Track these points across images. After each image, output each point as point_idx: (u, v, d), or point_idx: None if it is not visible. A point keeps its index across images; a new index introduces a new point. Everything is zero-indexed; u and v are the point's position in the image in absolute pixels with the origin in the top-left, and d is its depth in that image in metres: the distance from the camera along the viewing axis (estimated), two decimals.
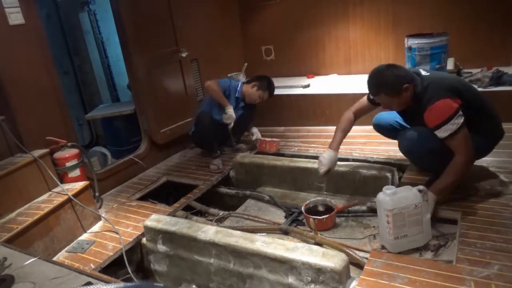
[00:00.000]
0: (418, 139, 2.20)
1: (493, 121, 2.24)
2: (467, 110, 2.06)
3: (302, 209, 2.41)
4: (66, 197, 2.41)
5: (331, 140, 2.49)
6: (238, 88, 3.37)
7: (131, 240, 2.35)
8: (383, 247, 2.01)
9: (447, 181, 2.05)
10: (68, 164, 2.63)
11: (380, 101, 2.26)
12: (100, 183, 2.93)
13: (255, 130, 3.54)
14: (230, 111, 3.22)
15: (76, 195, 2.46)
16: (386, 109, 2.49)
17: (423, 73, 2.19)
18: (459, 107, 2.01)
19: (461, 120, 2.00)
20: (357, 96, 3.50)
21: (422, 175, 2.54)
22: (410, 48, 3.26)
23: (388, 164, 2.75)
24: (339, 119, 2.53)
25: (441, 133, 2.03)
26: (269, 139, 3.43)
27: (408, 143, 2.26)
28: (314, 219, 2.26)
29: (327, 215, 2.33)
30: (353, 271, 1.82)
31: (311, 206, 2.49)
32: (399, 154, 2.92)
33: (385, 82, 2.12)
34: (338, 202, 2.67)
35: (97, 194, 2.85)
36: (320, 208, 2.50)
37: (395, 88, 2.09)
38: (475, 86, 2.45)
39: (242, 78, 4.23)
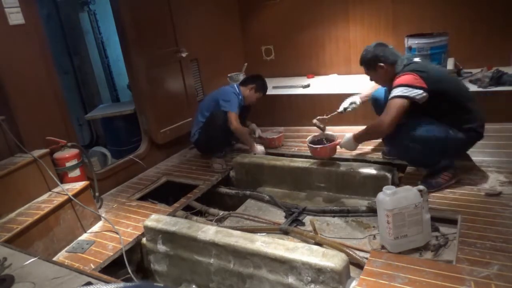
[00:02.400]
0: (397, 136, 2.26)
1: (470, 117, 2.26)
2: (444, 100, 2.21)
3: (307, 139, 2.84)
4: (66, 197, 2.41)
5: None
6: (241, 96, 3.35)
7: (131, 240, 2.35)
8: (383, 247, 2.02)
9: (362, 131, 2.41)
10: (68, 164, 2.63)
11: (366, 73, 2.51)
12: (100, 183, 2.93)
13: (254, 126, 3.57)
14: (259, 149, 3.31)
15: (76, 195, 2.46)
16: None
17: (415, 59, 2.34)
18: (417, 86, 2.15)
19: (407, 93, 2.14)
20: None
21: (422, 175, 2.54)
22: (410, 48, 3.25)
23: (388, 164, 2.75)
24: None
25: (390, 95, 2.21)
26: (276, 136, 3.49)
27: (390, 145, 2.43)
28: (309, 147, 2.76)
29: (321, 146, 2.75)
30: (353, 271, 1.82)
31: (315, 140, 2.87)
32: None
33: (364, 58, 2.41)
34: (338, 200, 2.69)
35: (97, 194, 2.85)
36: (325, 141, 2.85)
37: (370, 63, 2.38)
38: (466, 86, 2.51)
39: (242, 78, 4.23)
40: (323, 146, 2.73)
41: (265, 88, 3.48)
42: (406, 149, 2.31)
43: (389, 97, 2.21)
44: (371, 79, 2.54)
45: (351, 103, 2.84)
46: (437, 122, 2.24)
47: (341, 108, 2.87)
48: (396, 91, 2.18)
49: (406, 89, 2.15)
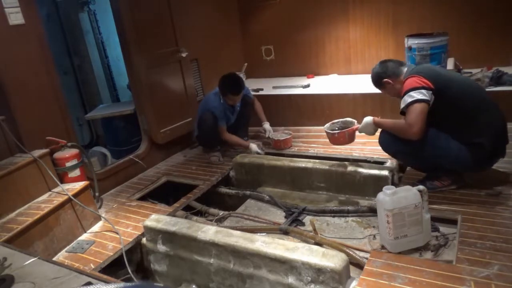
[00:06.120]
0: (389, 139, 2.34)
1: (475, 127, 2.14)
2: (449, 104, 2.13)
3: (325, 127, 2.68)
4: (66, 197, 2.41)
5: None
6: (222, 101, 3.31)
7: (131, 240, 2.35)
8: (383, 247, 2.02)
9: (387, 123, 2.34)
10: (68, 164, 2.63)
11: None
12: (100, 183, 2.93)
13: (267, 126, 3.58)
14: (252, 147, 3.32)
15: (76, 195, 2.46)
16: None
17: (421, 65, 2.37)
18: (424, 86, 2.09)
19: (419, 95, 2.08)
20: (356, 96, 3.52)
21: (422, 176, 2.54)
22: (410, 48, 3.25)
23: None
24: None
25: (401, 105, 2.17)
26: (283, 138, 3.48)
27: (381, 140, 2.43)
28: (327, 133, 2.59)
29: (339, 131, 2.60)
30: (353, 271, 1.82)
31: (334, 128, 2.71)
32: None
33: (372, 80, 2.47)
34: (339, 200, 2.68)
35: (97, 194, 2.85)
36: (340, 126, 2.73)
37: (377, 82, 2.43)
38: (482, 93, 2.29)
39: (242, 78, 4.23)
40: (341, 132, 2.59)
41: (225, 88, 3.23)
42: (395, 154, 2.43)
43: (401, 106, 2.15)
44: (387, 95, 2.52)
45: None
46: (443, 135, 2.18)
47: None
48: (407, 99, 2.11)
49: (415, 93, 2.09)
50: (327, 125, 2.74)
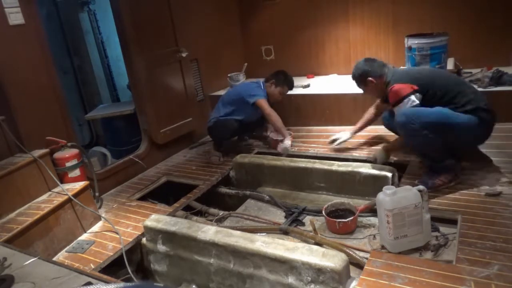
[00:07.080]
0: (414, 113, 2.27)
1: (468, 99, 2.29)
2: (436, 93, 2.31)
3: (323, 213, 2.36)
4: (66, 197, 2.41)
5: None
6: (264, 94, 3.36)
7: (131, 240, 2.35)
8: (383, 247, 2.02)
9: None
10: (68, 164, 2.63)
11: (359, 88, 2.66)
12: (100, 183, 2.93)
13: (269, 125, 3.59)
14: (288, 142, 3.29)
15: (76, 195, 2.46)
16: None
17: (399, 68, 2.58)
18: (412, 91, 2.29)
19: (410, 102, 2.28)
20: (357, 96, 3.52)
21: (421, 175, 2.54)
22: (410, 48, 3.25)
23: (388, 164, 2.75)
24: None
25: (398, 113, 2.31)
26: (281, 138, 3.44)
27: (405, 117, 2.28)
28: (339, 222, 2.25)
29: (352, 217, 2.26)
30: (353, 271, 1.82)
31: (331, 209, 2.44)
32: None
33: (354, 74, 2.57)
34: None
35: (97, 194, 2.85)
36: (340, 212, 2.44)
37: (360, 80, 2.54)
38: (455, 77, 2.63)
39: (242, 78, 4.24)
40: (345, 222, 2.25)
41: (287, 81, 3.46)
42: (421, 128, 2.24)
43: (398, 119, 2.29)
44: (364, 93, 2.68)
45: (342, 141, 3.08)
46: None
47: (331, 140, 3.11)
48: (403, 110, 2.28)
49: (407, 101, 2.27)
50: (326, 206, 2.42)
